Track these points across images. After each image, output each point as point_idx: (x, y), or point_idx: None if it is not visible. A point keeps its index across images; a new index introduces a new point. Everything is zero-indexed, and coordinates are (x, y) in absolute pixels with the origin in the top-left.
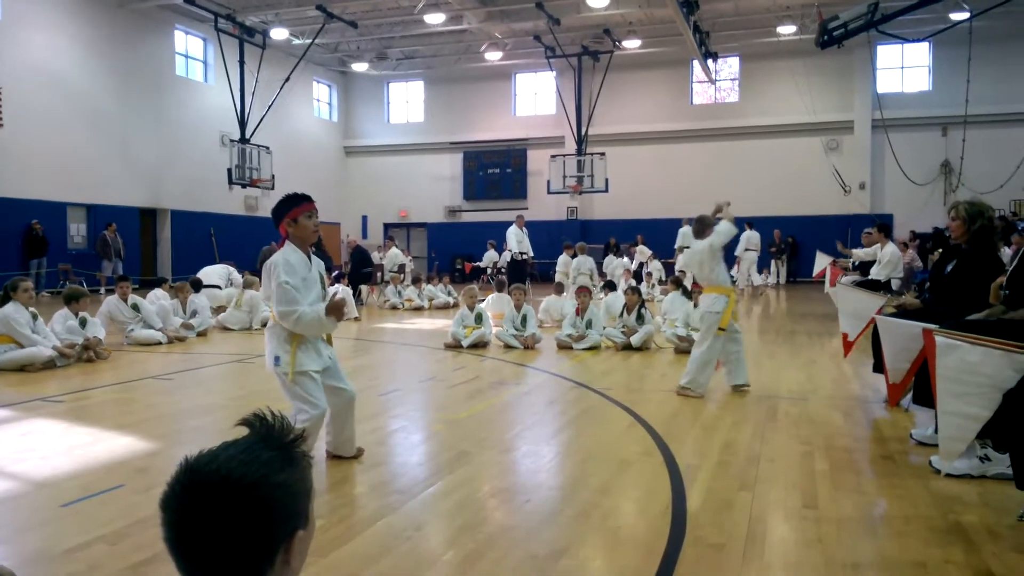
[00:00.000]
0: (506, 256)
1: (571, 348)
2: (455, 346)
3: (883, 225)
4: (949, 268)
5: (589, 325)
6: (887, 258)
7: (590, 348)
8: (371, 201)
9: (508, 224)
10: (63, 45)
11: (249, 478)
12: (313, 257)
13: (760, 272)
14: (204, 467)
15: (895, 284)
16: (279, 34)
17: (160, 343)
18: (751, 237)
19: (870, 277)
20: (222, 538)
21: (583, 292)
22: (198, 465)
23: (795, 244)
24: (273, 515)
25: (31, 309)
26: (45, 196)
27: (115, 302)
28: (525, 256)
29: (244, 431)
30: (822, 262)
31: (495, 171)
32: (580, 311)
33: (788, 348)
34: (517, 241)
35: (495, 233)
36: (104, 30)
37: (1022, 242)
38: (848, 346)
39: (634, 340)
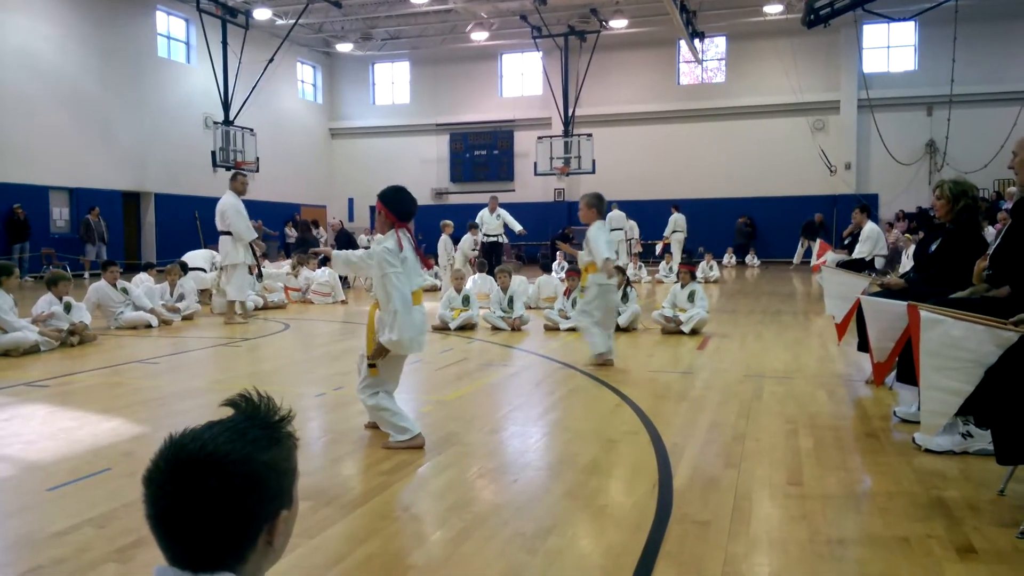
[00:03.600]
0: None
1: (558, 329)
2: (442, 328)
3: (863, 206)
4: (933, 247)
5: (575, 305)
6: (866, 234)
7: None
8: (357, 183)
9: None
10: (43, 27)
11: (234, 455)
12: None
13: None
14: (189, 444)
15: (879, 263)
16: (262, 14)
17: (151, 326)
18: (678, 220)
19: (853, 256)
20: (205, 515)
21: (571, 275)
22: (183, 442)
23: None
24: (257, 494)
25: (11, 295)
26: (27, 180)
27: (104, 286)
28: (495, 238)
29: (230, 412)
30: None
31: (482, 153)
32: (568, 292)
33: (774, 328)
34: (483, 223)
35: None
36: (85, 11)
37: (1007, 220)
38: (841, 330)
39: (621, 320)
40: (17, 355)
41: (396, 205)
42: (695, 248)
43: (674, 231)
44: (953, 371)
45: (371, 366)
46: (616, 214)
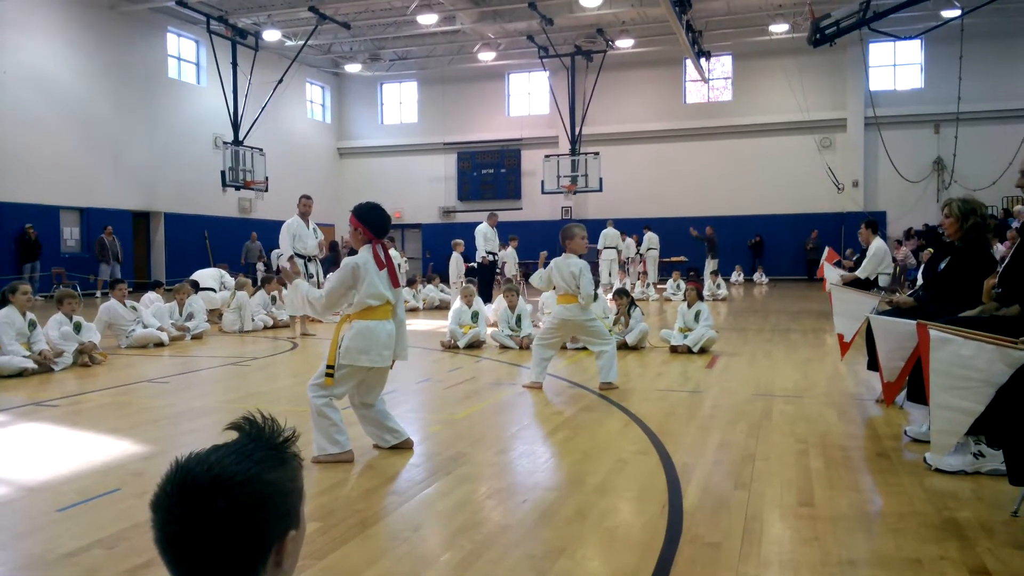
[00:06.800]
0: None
1: (565, 348)
2: (452, 346)
3: (870, 221)
4: (942, 266)
5: None
6: (872, 252)
7: (583, 347)
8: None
9: (506, 224)
10: (55, 49)
11: (240, 476)
12: None
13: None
14: (195, 467)
15: (883, 280)
16: (272, 36)
17: (162, 343)
18: (652, 238)
19: (857, 274)
20: (213, 538)
21: None
22: (189, 465)
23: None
24: (265, 514)
25: (30, 316)
26: (38, 200)
27: (114, 305)
28: (494, 256)
29: (234, 435)
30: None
31: (489, 171)
32: None
33: (783, 346)
34: (485, 239)
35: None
36: (96, 33)
37: (1016, 238)
38: (844, 347)
39: (629, 339)
40: (28, 375)
41: (372, 221)
42: (702, 266)
43: (649, 248)
44: (963, 391)
45: (328, 375)
46: (611, 232)
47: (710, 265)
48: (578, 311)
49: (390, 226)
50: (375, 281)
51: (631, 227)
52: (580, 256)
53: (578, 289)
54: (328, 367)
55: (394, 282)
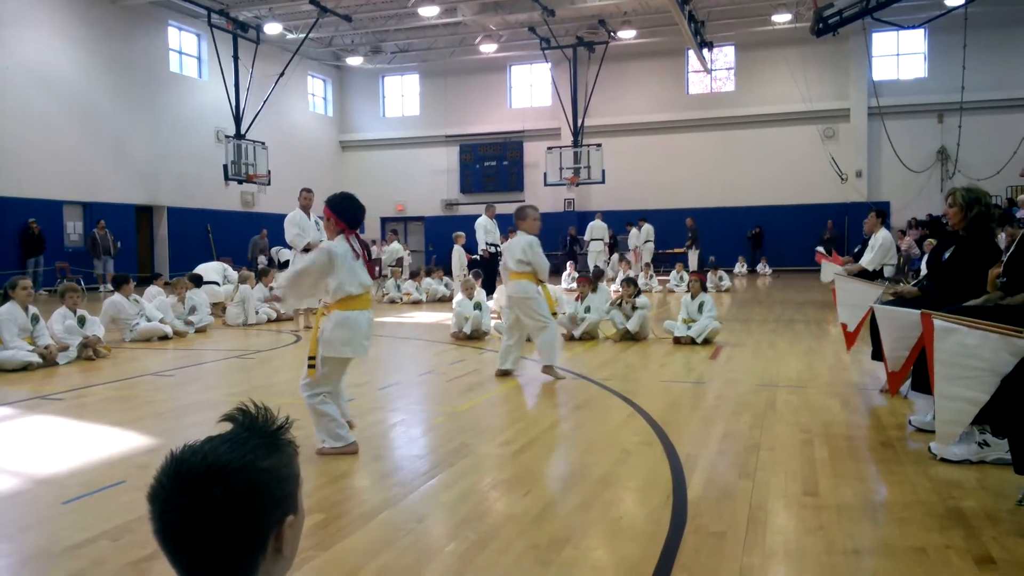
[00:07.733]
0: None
1: (572, 337)
2: (462, 336)
3: (879, 210)
4: (946, 255)
5: (588, 311)
6: (879, 243)
7: (589, 337)
8: (368, 195)
9: (506, 216)
10: (56, 43)
11: (235, 464)
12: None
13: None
14: (190, 457)
15: (888, 271)
16: (273, 29)
17: (167, 336)
18: (649, 230)
19: (861, 263)
20: (211, 526)
21: (583, 282)
22: (184, 456)
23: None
24: (261, 501)
25: (32, 311)
26: (41, 195)
27: (119, 300)
28: (496, 248)
29: (229, 427)
30: (828, 271)
31: (492, 164)
32: (580, 298)
33: (787, 337)
34: (485, 232)
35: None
36: (97, 27)
37: (1015, 234)
38: (851, 337)
39: (630, 325)
40: (32, 369)
41: (344, 211)
42: (706, 257)
43: (646, 240)
44: (968, 380)
45: (310, 367)
46: (598, 224)
47: (692, 256)
48: (523, 287)
49: (363, 216)
50: (355, 269)
51: (634, 219)
52: (533, 235)
53: (527, 265)
54: (310, 358)
55: (370, 273)
